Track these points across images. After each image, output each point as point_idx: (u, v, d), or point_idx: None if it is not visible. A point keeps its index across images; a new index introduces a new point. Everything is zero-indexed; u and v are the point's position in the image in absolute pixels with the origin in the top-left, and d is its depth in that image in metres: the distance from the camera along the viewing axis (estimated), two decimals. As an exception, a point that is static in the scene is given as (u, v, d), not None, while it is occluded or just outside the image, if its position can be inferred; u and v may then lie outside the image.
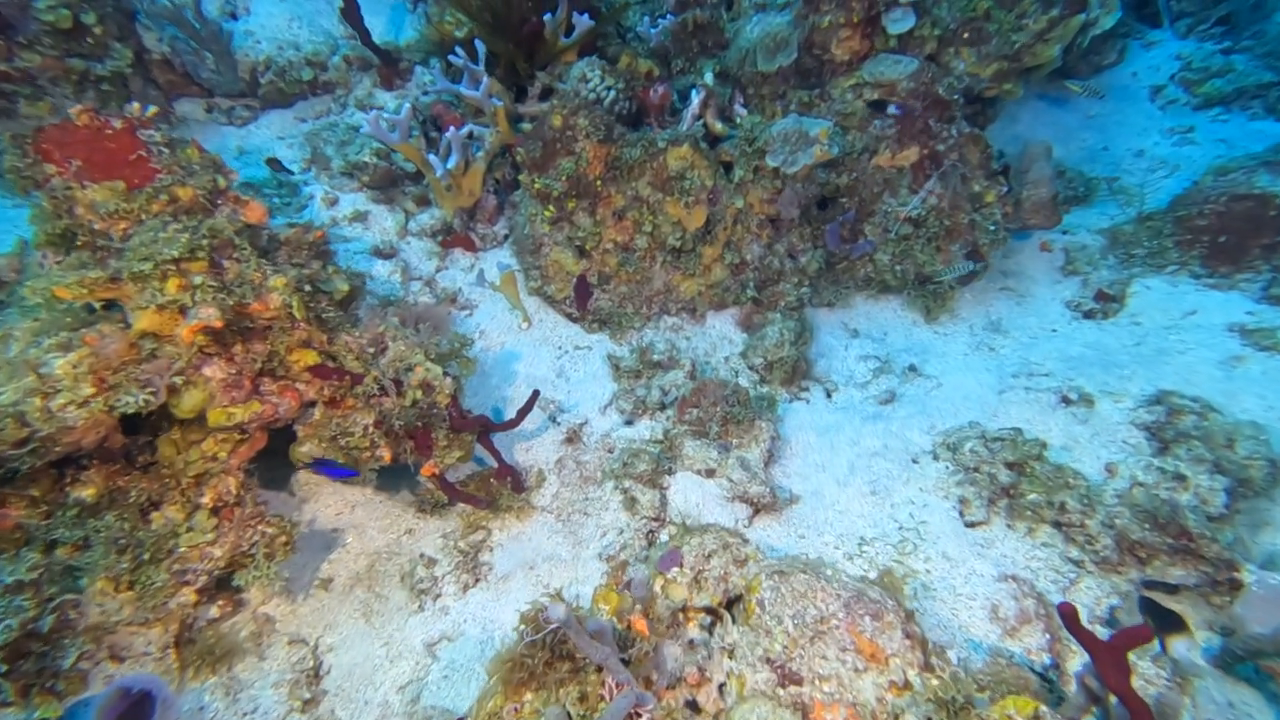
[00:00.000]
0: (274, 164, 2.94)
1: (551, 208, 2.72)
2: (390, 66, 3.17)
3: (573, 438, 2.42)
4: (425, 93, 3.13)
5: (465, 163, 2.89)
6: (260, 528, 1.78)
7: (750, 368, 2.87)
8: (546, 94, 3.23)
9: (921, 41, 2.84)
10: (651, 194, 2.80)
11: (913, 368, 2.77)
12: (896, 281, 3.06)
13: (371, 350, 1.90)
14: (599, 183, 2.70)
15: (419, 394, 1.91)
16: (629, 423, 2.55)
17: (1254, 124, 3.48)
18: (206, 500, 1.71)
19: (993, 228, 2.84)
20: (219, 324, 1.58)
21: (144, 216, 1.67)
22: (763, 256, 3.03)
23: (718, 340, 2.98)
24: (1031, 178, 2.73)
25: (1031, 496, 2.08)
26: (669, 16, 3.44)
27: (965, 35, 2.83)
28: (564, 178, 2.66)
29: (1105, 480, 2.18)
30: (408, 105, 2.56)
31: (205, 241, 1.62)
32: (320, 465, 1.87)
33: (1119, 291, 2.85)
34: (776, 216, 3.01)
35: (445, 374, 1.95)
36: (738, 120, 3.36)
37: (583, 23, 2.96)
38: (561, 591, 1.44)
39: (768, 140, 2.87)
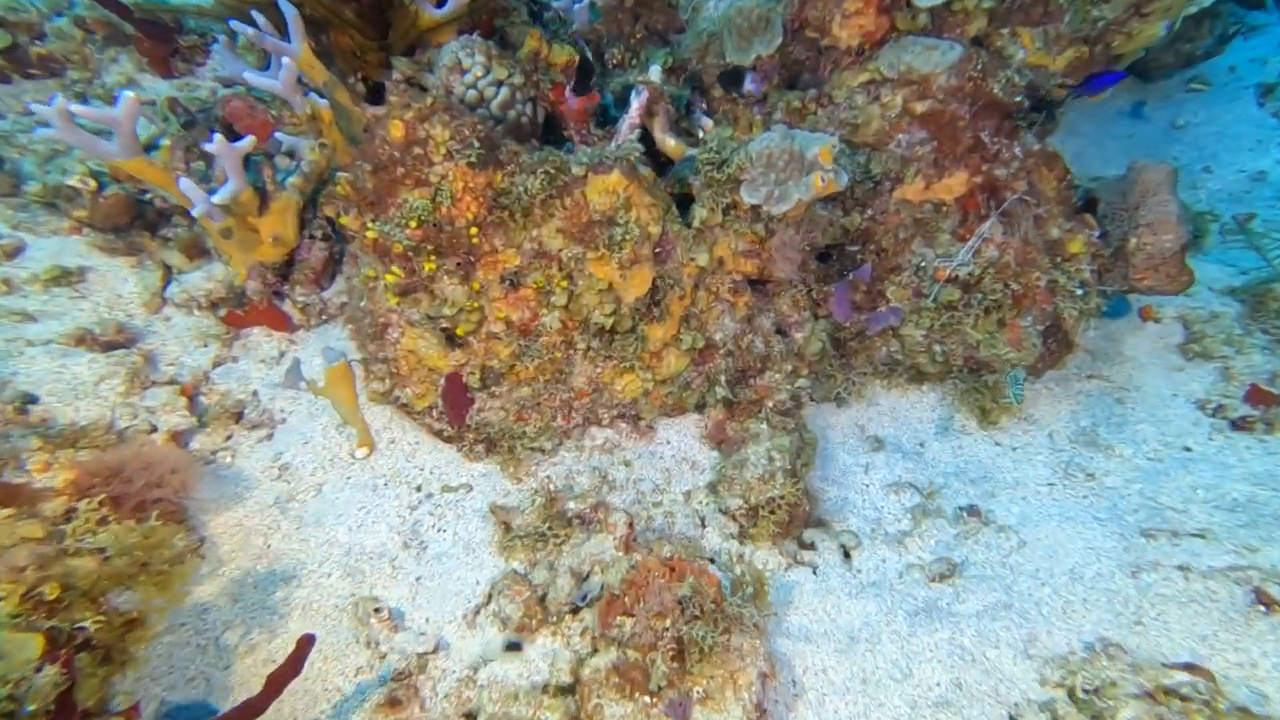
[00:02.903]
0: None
1: (396, 269, 1.69)
2: (161, 40, 2.12)
3: (401, 697, 1.35)
4: (226, 84, 2.09)
5: (263, 193, 1.84)
6: None
7: (724, 511, 1.88)
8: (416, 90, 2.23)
9: (963, 19, 1.97)
10: (565, 247, 1.82)
11: (973, 510, 1.82)
12: (935, 367, 2.14)
13: None
14: (474, 231, 1.70)
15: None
16: (513, 645, 1.51)
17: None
18: None
19: (1080, 291, 1.94)
20: None
21: None
22: (739, 335, 2.07)
23: (673, 465, 1.99)
24: (1147, 217, 1.86)
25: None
26: (599, -14, 2.50)
27: (1025, 11, 1.97)
28: (413, 223, 1.65)
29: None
30: (127, 94, 1.52)
31: None
32: None
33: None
34: (759, 275, 2.06)
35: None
36: (700, 135, 2.43)
37: (462, -16, 1.99)
38: None
39: (744, 163, 1.93)
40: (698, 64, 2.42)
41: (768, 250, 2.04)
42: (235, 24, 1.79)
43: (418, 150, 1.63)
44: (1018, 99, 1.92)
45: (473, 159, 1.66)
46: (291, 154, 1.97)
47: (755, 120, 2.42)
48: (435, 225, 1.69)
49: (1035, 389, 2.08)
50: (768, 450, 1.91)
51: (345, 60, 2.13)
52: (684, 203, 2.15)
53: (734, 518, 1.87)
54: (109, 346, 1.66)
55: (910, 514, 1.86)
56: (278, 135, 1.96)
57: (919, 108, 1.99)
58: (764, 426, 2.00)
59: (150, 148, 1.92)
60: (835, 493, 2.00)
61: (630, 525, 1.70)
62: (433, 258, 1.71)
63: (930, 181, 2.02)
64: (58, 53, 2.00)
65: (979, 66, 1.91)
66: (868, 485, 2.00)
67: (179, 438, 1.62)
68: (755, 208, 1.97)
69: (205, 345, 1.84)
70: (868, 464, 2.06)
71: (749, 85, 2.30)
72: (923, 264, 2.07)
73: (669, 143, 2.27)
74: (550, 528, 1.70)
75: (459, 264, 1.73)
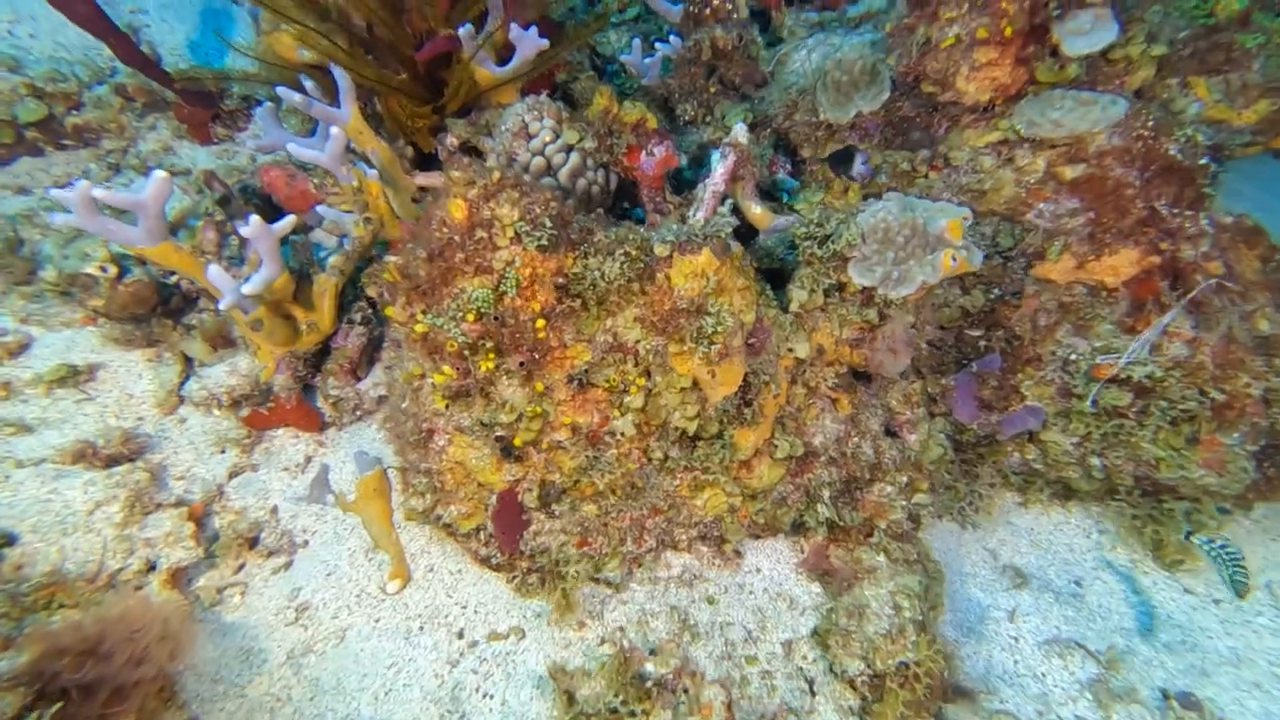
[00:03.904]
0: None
1: (448, 369, 1.43)
2: (202, 106, 1.97)
3: None
4: (266, 151, 1.92)
5: (300, 275, 1.63)
6: None
7: (838, 674, 1.49)
8: (475, 157, 2.03)
9: (1124, 69, 1.67)
10: (644, 339, 1.54)
11: (1188, 699, 1.39)
12: (1091, 485, 1.74)
13: None
14: (541, 324, 1.42)
15: None
16: None
17: None
18: None
19: (1294, 402, 1.54)
20: None
21: None
22: (842, 438, 1.73)
23: (767, 603, 1.63)
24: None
25: None
26: (672, 39, 2.30)
27: (1202, 58, 1.65)
28: (471, 316, 1.39)
29: None
30: (157, 175, 1.32)
31: None
32: None
33: None
34: (865, 367, 1.73)
35: None
36: (787, 200, 2.16)
37: (529, 42, 1.79)
38: None
39: (852, 237, 1.63)
40: (785, 121, 2.17)
41: (880, 340, 1.72)
42: (282, 90, 1.61)
43: (481, 234, 1.38)
44: (1202, 161, 1.58)
45: (543, 242, 1.41)
46: (333, 229, 1.75)
47: (850, 185, 2.13)
48: (497, 318, 1.42)
49: (1244, 526, 1.66)
50: (891, 595, 1.53)
51: (394, 122, 1.95)
52: (773, 277, 1.86)
53: (853, 685, 1.49)
54: (111, 461, 1.43)
55: (1089, 692, 1.45)
56: (319, 208, 1.76)
57: (1069, 172, 1.67)
58: (880, 558, 1.64)
59: (179, 228, 1.74)
60: (974, 648, 1.60)
61: (729, 708, 1.34)
62: (491, 356, 1.44)
63: (1084, 260, 1.68)
64: (93, 122, 1.87)
65: (1150, 123, 1.59)
66: (1016, 639, 1.60)
67: (180, 576, 1.36)
68: (867, 290, 1.66)
69: (222, 451, 1.59)
70: (1011, 607, 1.66)
71: (860, 167, 2.03)
72: (1073, 357, 1.71)
73: (755, 210, 1.99)
74: (624, 701, 1.35)
75: (522, 363, 1.46)
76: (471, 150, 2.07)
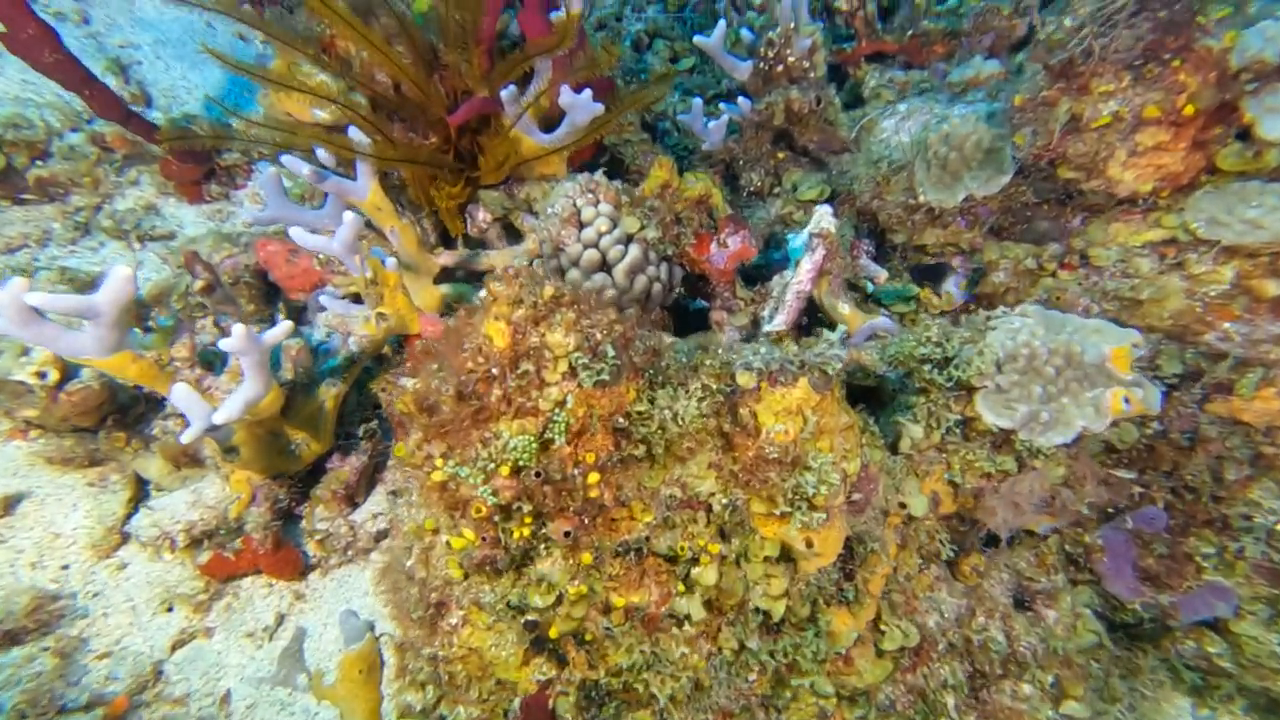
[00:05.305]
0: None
1: (470, 533, 1.09)
2: (194, 163, 1.71)
3: None
4: (264, 225, 1.63)
5: (291, 388, 1.32)
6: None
7: None
8: (509, 234, 1.75)
9: (1337, 164, 1.33)
10: (720, 492, 1.20)
11: None
12: (1302, 698, 1.34)
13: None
14: (595, 479, 1.09)
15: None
16: None
17: None
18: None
19: None
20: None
21: None
22: (964, 618, 1.35)
23: None
24: None
25: None
26: (740, 100, 2.03)
27: None
28: (507, 469, 1.06)
29: None
30: (117, 273, 1.03)
31: None
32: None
33: None
34: (973, 514, 1.38)
35: None
36: (872, 290, 1.85)
37: (581, 108, 1.51)
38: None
39: (985, 365, 1.30)
40: (873, 199, 1.87)
41: (1009, 494, 1.36)
42: (289, 160, 1.34)
43: (527, 367, 1.06)
44: None
45: (604, 377, 1.08)
46: (339, 324, 1.46)
47: (954, 281, 1.81)
48: (538, 474, 1.09)
49: None
50: None
51: (418, 191, 1.67)
52: (868, 397, 1.52)
53: None
54: (10, 641, 1.09)
55: None
56: (323, 298, 1.46)
57: (1272, 288, 1.33)
58: (1027, 798, 1.24)
59: (153, 308, 1.45)
60: None
61: None
62: (529, 521, 1.10)
63: (1290, 403, 1.32)
64: (61, 175, 1.62)
65: (1385, 241, 1.25)
66: None
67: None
68: (1005, 433, 1.31)
69: (169, 610, 1.26)
70: None
71: (950, 287, 1.73)
72: (1279, 527, 1.33)
73: (844, 309, 1.67)
74: None
75: (568, 532, 1.11)
76: (507, 226, 1.79)
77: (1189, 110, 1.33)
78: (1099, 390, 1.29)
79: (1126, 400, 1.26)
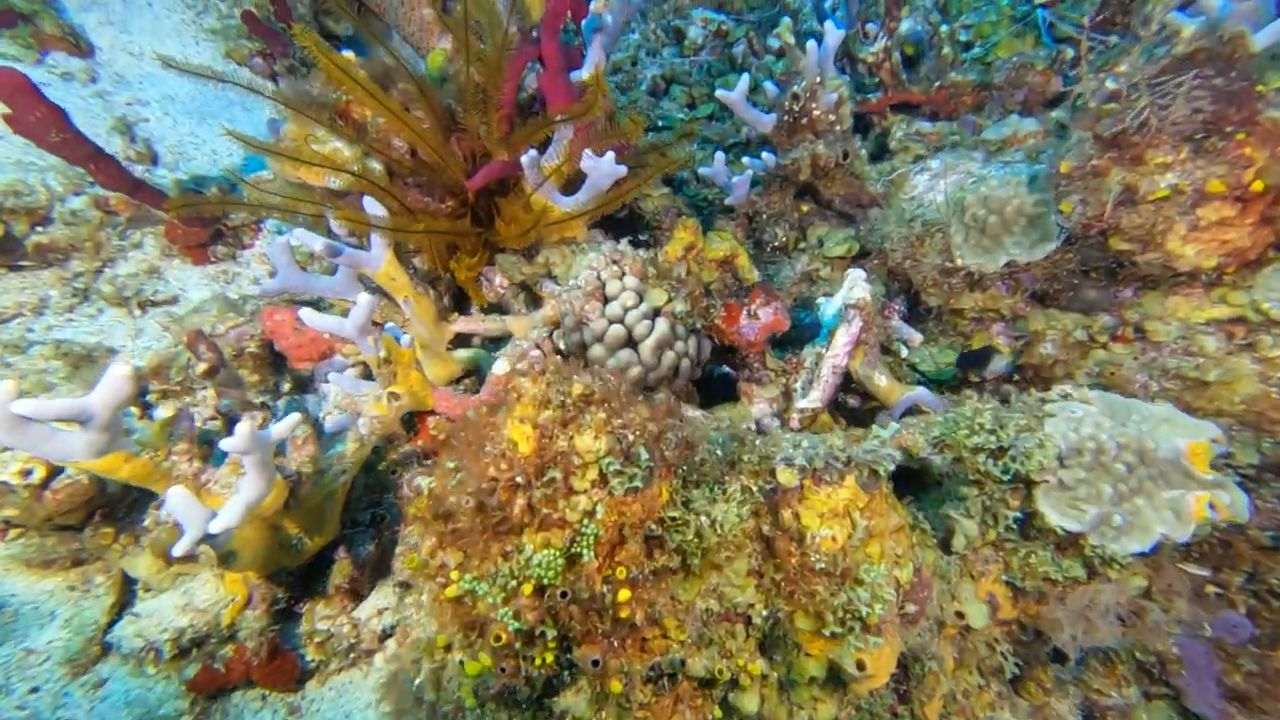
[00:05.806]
0: None
1: (487, 658, 0.98)
2: (200, 226, 1.65)
3: None
4: (272, 296, 1.56)
5: (295, 481, 1.23)
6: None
7: None
8: (530, 300, 1.67)
9: None
10: (760, 602, 1.08)
11: None
12: None
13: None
14: (626, 597, 0.99)
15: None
16: None
17: None
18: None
19: None
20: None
21: None
22: (1031, 737, 1.23)
23: None
24: None
25: None
26: (764, 155, 1.97)
27: None
28: (530, 588, 0.96)
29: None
30: (116, 372, 0.95)
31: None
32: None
33: None
34: (1035, 622, 1.27)
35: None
36: (906, 355, 1.76)
37: (604, 172, 1.44)
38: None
39: (1046, 459, 1.20)
40: (905, 260, 1.79)
41: (1074, 605, 1.25)
42: (302, 234, 1.27)
43: (554, 474, 0.97)
44: None
45: (637, 482, 0.99)
46: (347, 405, 1.37)
47: (996, 341, 1.72)
48: (565, 594, 0.99)
49: None
50: None
51: (432, 258, 1.60)
52: (910, 479, 1.42)
53: None
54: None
55: None
56: (331, 376, 1.38)
57: (1355, 382, 1.23)
58: None
59: (153, 381, 1.37)
60: None
61: None
62: (553, 646, 1.00)
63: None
64: (61, 241, 1.56)
65: None
66: None
67: None
68: (1073, 537, 1.20)
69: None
70: None
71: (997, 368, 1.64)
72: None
73: (880, 382, 1.59)
74: None
75: (596, 660, 1.01)
76: (523, 284, 1.72)
77: (1257, 187, 1.25)
78: (1178, 492, 1.19)
79: (1212, 506, 1.15)
